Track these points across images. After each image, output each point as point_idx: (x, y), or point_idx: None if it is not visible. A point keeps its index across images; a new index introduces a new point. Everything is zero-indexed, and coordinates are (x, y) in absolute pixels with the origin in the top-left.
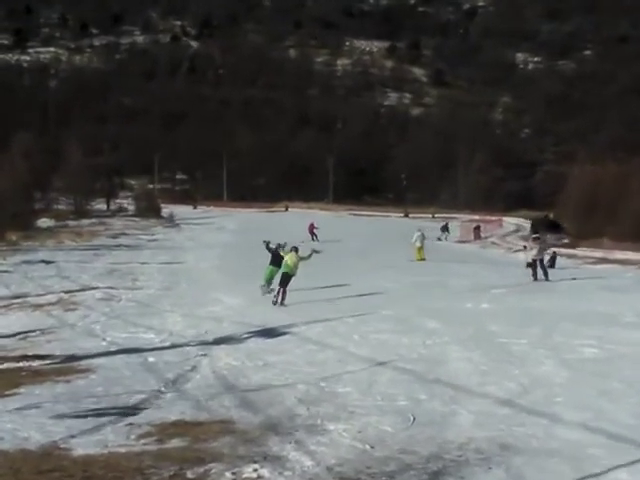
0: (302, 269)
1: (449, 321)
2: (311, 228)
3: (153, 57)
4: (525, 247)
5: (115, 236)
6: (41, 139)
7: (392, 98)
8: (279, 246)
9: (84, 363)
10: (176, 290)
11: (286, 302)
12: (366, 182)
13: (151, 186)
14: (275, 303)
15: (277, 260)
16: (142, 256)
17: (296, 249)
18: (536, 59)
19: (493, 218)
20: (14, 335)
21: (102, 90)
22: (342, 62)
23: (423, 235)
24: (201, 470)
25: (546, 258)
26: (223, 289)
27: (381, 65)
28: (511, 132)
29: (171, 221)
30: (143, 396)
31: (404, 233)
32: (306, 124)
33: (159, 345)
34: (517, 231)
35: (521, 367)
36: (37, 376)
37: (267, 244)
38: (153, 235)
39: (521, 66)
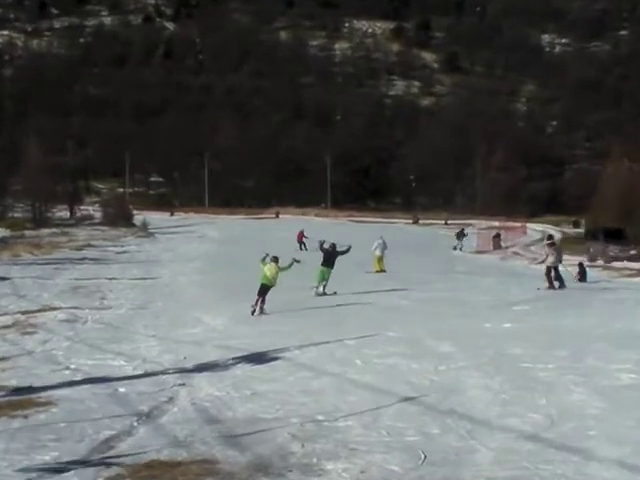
0: (296, 283)
1: (465, 343)
2: (300, 237)
3: (123, 41)
4: (540, 261)
5: (80, 248)
6: None
7: (399, 87)
8: (267, 256)
9: (44, 395)
10: (150, 310)
11: (267, 311)
12: (369, 184)
13: (121, 190)
14: (253, 313)
15: (329, 260)
16: (111, 271)
17: (276, 259)
18: (564, 41)
19: (515, 225)
20: None
21: (65, 79)
22: (341, 46)
23: (384, 243)
24: None
25: (561, 267)
26: (204, 308)
27: (386, 49)
28: (536, 125)
29: (144, 230)
30: (112, 432)
31: (413, 242)
32: (300, 117)
33: (131, 373)
34: (543, 239)
35: (548, 396)
36: None
37: (321, 244)
38: (124, 247)
39: (547, 49)
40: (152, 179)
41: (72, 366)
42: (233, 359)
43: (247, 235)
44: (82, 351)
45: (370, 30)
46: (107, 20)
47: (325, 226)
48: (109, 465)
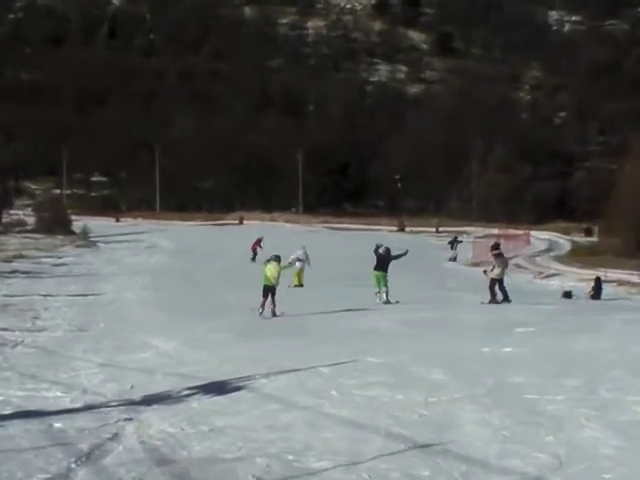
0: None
1: (459, 371)
2: (255, 245)
3: (60, 17)
4: (485, 272)
5: (9, 259)
6: None
7: (382, 72)
8: (272, 258)
9: None
10: (91, 331)
11: (278, 313)
12: (347, 185)
13: (58, 191)
14: (261, 314)
15: (382, 264)
16: (46, 286)
17: (278, 258)
18: (575, 18)
19: (518, 232)
20: None
21: None
22: (315, 24)
23: (306, 254)
24: None
25: (506, 279)
26: (154, 330)
27: (367, 28)
28: (542, 116)
29: (85, 239)
30: (47, 476)
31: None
32: (267, 107)
33: (69, 406)
34: (550, 250)
35: (556, 432)
36: None
37: (377, 248)
38: (61, 258)
39: (555, 28)
40: (94, 179)
41: (0, 397)
42: (188, 389)
43: (205, 245)
44: (12, 380)
45: (349, 6)
46: None
47: (295, 234)
48: None
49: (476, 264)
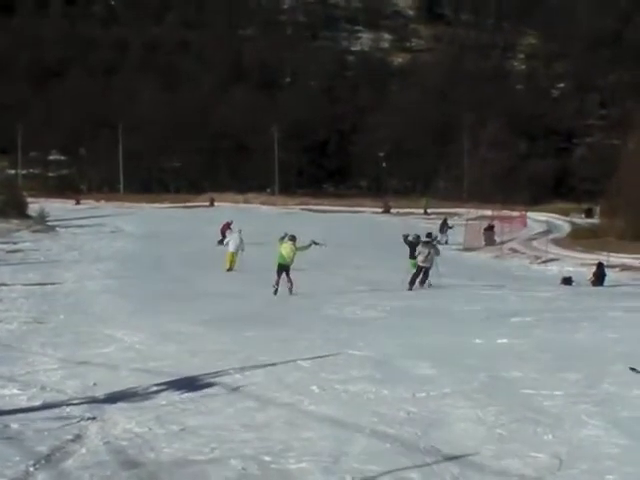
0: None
1: (450, 364)
2: (224, 228)
3: None
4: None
5: None
6: None
7: (364, 40)
8: (285, 235)
9: None
10: (50, 324)
11: (294, 291)
12: (327, 164)
13: (12, 172)
14: (275, 293)
15: (414, 252)
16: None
17: (293, 237)
18: None
19: (513, 214)
20: None
21: None
22: None
23: (241, 239)
24: None
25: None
26: (118, 321)
27: None
28: (538, 88)
29: (42, 223)
30: None
31: (383, 237)
32: (239, 80)
33: (26, 405)
34: (548, 233)
35: (555, 430)
36: None
37: (405, 237)
38: (16, 244)
39: None
40: (51, 157)
41: None
42: (156, 386)
43: (173, 229)
44: None
45: None
46: None
47: (271, 217)
48: None
49: (468, 249)
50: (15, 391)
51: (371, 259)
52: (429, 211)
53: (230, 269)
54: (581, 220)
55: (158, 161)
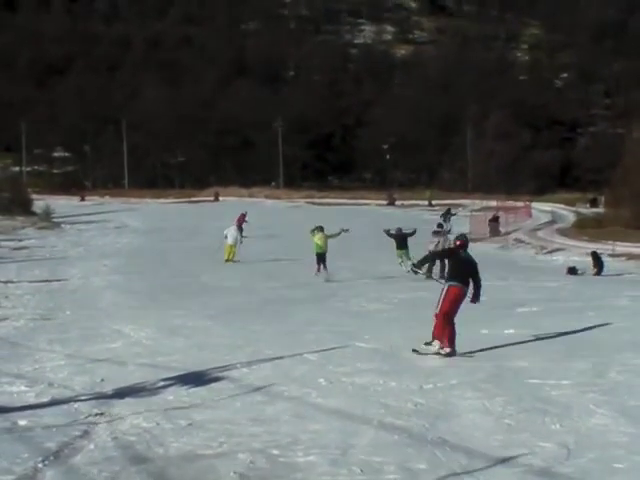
0: (241, 283)
1: (457, 355)
2: (241, 220)
3: None
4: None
5: None
6: None
7: (367, 33)
8: (315, 228)
9: None
10: (57, 320)
11: (331, 278)
12: (332, 157)
13: (17, 169)
14: (317, 274)
15: (401, 243)
16: (6, 271)
17: (322, 228)
18: None
19: (518, 205)
20: None
21: None
22: None
23: (240, 234)
24: None
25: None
26: (125, 317)
27: None
28: (542, 78)
29: (48, 220)
30: (11, 477)
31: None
32: (243, 75)
33: (34, 401)
34: (553, 223)
35: (563, 420)
36: None
37: (387, 231)
38: (21, 241)
39: None
40: (56, 154)
41: None
42: (163, 381)
43: (179, 224)
44: None
45: None
46: None
47: (277, 211)
48: None
49: (473, 240)
50: (23, 388)
51: (377, 251)
52: (434, 203)
53: (228, 260)
54: (586, 210)
55: (162, 156)
